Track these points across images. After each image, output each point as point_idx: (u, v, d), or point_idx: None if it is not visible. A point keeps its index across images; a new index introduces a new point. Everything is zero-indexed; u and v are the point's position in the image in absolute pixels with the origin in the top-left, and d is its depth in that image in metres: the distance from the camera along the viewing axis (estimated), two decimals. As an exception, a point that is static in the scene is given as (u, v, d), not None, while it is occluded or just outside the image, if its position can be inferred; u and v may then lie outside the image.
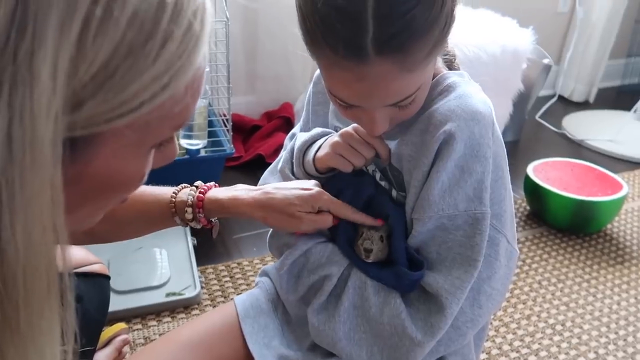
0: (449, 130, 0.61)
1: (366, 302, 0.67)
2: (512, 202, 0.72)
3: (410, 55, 0.54)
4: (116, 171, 0.38)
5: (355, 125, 0.69)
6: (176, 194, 0.72)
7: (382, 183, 0.73)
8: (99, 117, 0.33)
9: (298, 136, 0.78)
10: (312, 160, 0.73)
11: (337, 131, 0.74)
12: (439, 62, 0.70)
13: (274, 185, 0.73)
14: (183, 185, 0.74)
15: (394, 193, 0.72)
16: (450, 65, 0.73)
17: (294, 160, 0.76)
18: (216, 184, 0.75)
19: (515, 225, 0.72)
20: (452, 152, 0.62)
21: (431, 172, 0.64)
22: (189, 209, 0.71)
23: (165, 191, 0.73)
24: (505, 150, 0.69)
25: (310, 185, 0.71)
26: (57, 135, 0.31)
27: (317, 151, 0.73)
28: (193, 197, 0.71)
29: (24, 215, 0.30)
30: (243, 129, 1.85)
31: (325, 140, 0.73)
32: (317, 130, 0.76)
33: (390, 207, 0.69)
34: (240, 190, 0.73)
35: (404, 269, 0.66)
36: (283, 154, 0.80)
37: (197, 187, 0.73)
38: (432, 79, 0.67)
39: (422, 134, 0.65)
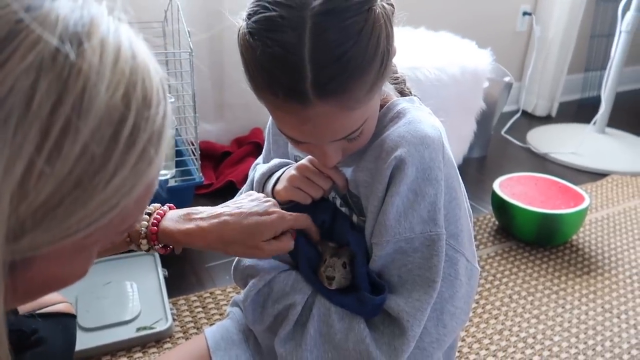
0: (400, 156, 0.63)
1: (331, 328, 0.68)
2: (470, 221, 0.74)
3: (351, 95, 0.56)
4: (53, 275, 0.36)
5: (310, 157, 0.70)
6: None
7: (343, 209, 0.74)
8: (39, 244, 0.31)
9: (257, 168, 0.78)
10: (270, 193, 0.74)
11: (297, 160, 0.74)
12: (389, 89, 0.72)
13: (230, 210, 0.69)
14: None
15: (354, 218, 0.73)
16: (402, 91, 0.76)
17: (253, 193, 0.77)
18: (171, 206, 0.72)
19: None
20: (404, 177, 0.63)
21: (386, 197, 0.65)
22: (144, 241, 0.69)
23: None
24: (457, 171, 0.71)
25: (269, 208, 0.69)
26: None
27: (275, 183, 0.73)
28: (146, 229, 0.69)
29: None
30: (214, 156, 1.85)
31: (283, 172, 0.73)
32: (275, 161, 0.77)
33: (351, 233, 0.70)
34: (197, 220, 0.69)
35: (366, 294, 0.67)
36: (243, 187, 0.81)
37: (150, 214, 0.70)
38: (383, 107, 0.69)
39: (375, 160, 0.66)
